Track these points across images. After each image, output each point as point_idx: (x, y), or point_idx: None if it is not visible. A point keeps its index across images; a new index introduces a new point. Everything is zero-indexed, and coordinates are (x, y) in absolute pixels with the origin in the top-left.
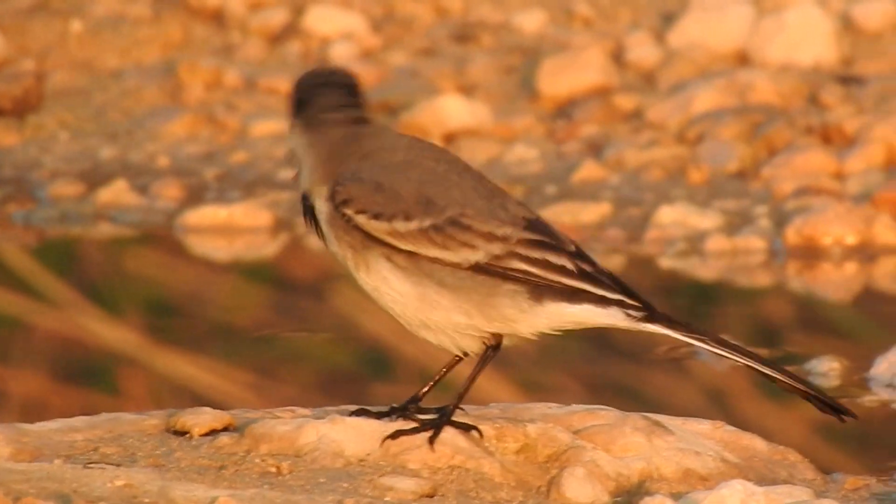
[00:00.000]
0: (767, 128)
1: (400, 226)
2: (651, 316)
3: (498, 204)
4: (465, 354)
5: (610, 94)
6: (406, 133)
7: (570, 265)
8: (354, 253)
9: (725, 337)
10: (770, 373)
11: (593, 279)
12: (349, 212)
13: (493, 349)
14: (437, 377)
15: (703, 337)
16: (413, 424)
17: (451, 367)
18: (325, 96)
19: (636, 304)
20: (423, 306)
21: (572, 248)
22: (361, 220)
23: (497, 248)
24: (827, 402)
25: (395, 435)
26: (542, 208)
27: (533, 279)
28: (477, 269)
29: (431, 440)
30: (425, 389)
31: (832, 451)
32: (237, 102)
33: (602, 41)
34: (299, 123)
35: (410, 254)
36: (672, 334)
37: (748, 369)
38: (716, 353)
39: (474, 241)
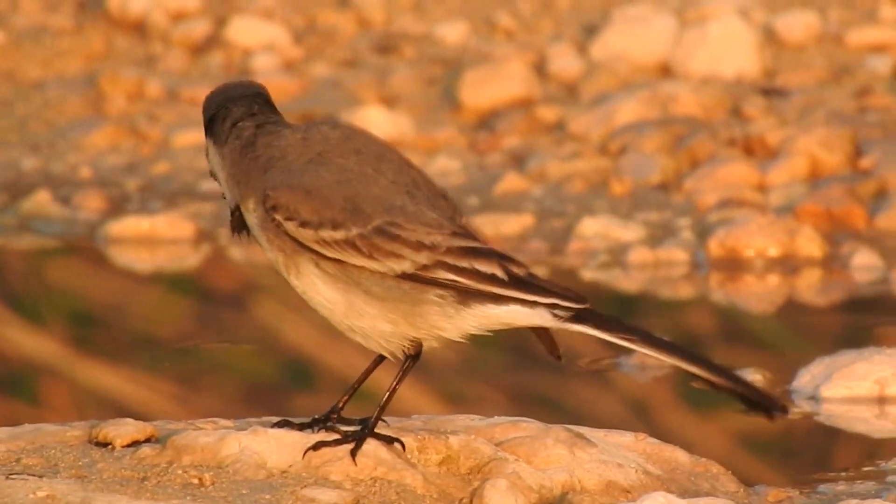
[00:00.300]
0: (690, 140)
1: (326, 234)
2: (578, 316)
3: (424, 200)
4: (395, 357)
5: (532, 105)
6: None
7: (500, 272)
8: (285, 257)
9: (659, 335)
10: (700, 373)
11: (524, 284)
12: (279, 217)
13: (413, 358)
14: (355, 385)
15: (630, 337)
16: (335, 436)
17: (367, 374)
18: (229, 109)
19: (569, 301)
20: (351, 313)
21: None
22: (290, 226)
23: (424, 258)
24: (758, 400)
25: (317, 446)
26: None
27: (461, 286)
28: (404, 277)
29: (353, 452)
30: (345, 399)
31: (755, 463)
32: (159, 113)
33: (524, 53)
34: (210, 140)
35: (338, 261)
36: (598, 335)
37: (677, 368)
38: (644, 353)
39: (401, 251)
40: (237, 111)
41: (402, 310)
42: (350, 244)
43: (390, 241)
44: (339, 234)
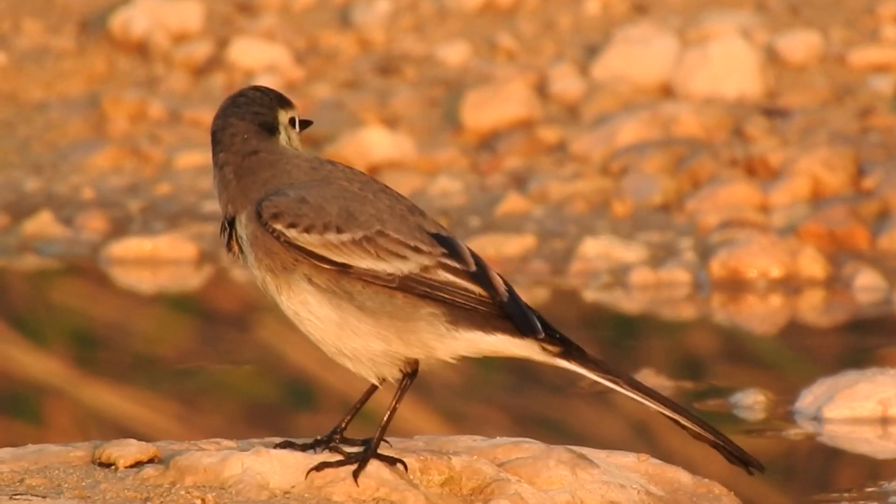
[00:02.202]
0: (691, 160)
1: (333, 237)
2: (566, 352)
3: (415, 225)
4: (383, 381)
5: (533, 126)
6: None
7: (487, 297)
8: (274, 276)
9: (640, 379)
10: (680, 420)
11: (511, 312)
12: (279, 226)
13: (410, 376)
14: (356, 406)
15: (616, 378)
16: (338, 457)
17: (369, 394)
18: (229, 128)
19: (552, 340)
20: (343, 333)
21: (494, 276)
22: (293, 233)
23: (426, 259)
24: (737, 455)
25: (321, 467)
26: (466, 241)
27: (457, 299)
28: (405, 285)
29: (356, 473)
30: (347, 419)
31: (757, 484)
32: (161, 135)
33: (525, 73)
34: (214, 161)
35: (335, 272)
36: (585, 373)
37: (659, 414)
38: (628, 396)
39: (404, 252)
40: (234, 130)
41: (395, 326)
42: (357, 245)
43: (394, 244)
44: (345, 237)
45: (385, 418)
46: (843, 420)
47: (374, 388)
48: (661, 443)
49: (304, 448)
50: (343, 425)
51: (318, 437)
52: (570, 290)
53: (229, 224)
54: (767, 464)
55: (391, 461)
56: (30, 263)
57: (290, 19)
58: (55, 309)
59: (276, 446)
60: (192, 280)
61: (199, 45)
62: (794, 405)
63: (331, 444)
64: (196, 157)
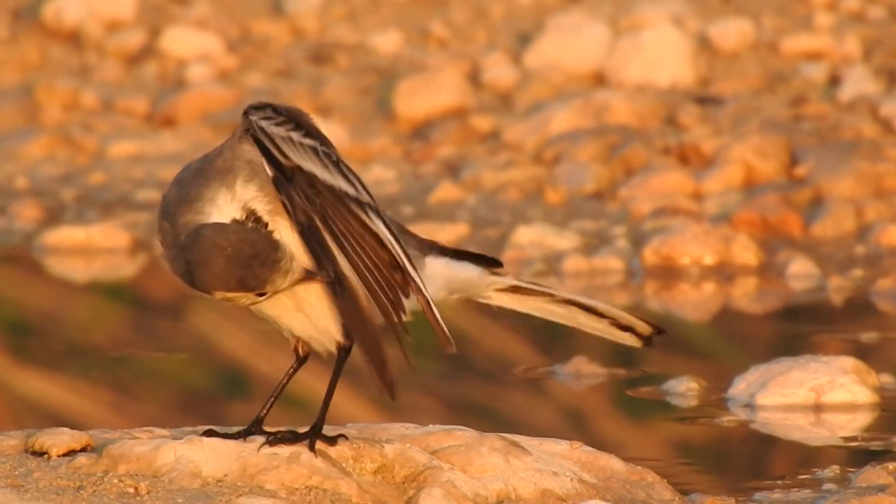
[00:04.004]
0: (624, 148)
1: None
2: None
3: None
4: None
5: (466, 114)
6: None
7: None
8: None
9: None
10: (594, 306)
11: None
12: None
13: (346, 352)
14: (275, 393)
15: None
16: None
17: (289, 377)
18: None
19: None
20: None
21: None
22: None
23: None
24: (629, 326)
25: (273, 442)
26: None
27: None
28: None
29: (311, 446)
30: (267, 408)
31: (690, 471)
32: (94, 123)
33: (458, 62)
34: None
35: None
36: (517, 283)
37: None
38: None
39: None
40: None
41: None
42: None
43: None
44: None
45: (327, 394)
46: (776, 407)
47: (292, 372)
48: (594, 430)
49: (225, 437)
50: (262, 415)
51: (241, 430)
52: None
53: None
54: (700, 451)
55: (331, 440)
56: None
57: (223, 8)
58: None
59: (202, 434)
60: (126, 269)
61: (131, 33)
62: (727, 392)
63: (269, 439)
64: (129, 146)
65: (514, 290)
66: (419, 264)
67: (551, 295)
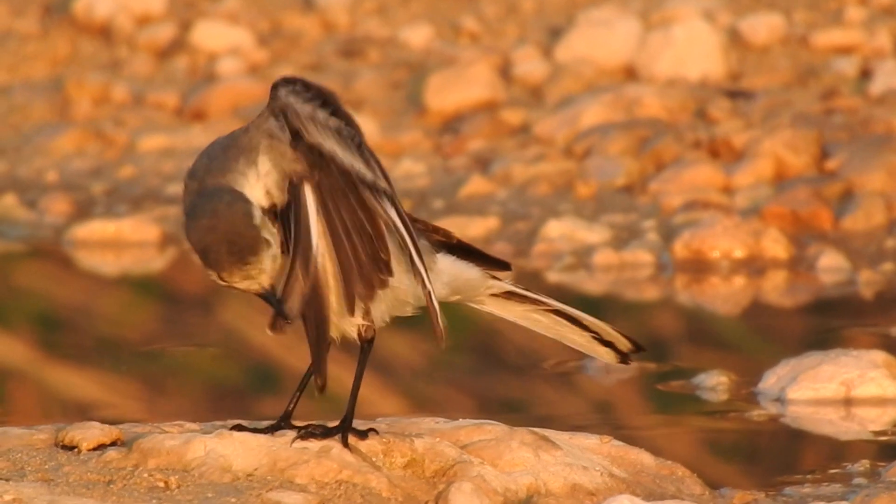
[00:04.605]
0: (655, 142)
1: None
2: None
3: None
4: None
5: (497, 108)
6: None
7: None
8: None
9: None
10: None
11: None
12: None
13: (369, 343)
14: (301, 387)
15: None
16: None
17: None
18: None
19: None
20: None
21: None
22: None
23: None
24: (611, 342)
25: (305, 436)
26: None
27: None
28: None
29: (344, 441)
30: (294, 402)
31: (720, 465)
32: (125, 118)
33: (489, 56)
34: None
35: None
36: (513, 290)
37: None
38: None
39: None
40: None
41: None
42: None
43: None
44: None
45: (354, 388)
46: (806, 401)
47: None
48: (623, 425)
49: (254, 432)
50: (290, 409)
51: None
52: (533, 272)
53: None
54: (730, 446)
55: (362, 434)
56: None
57: (253, 1)
58: (19, 292)
59: (230, 429)
60: (156, 263)
61: (162, 27)
62: (757, 386)
63: (300, 433)
64: (159, 140)
65: (509, 296)
66: (430, 259)
67: (543, 303)
